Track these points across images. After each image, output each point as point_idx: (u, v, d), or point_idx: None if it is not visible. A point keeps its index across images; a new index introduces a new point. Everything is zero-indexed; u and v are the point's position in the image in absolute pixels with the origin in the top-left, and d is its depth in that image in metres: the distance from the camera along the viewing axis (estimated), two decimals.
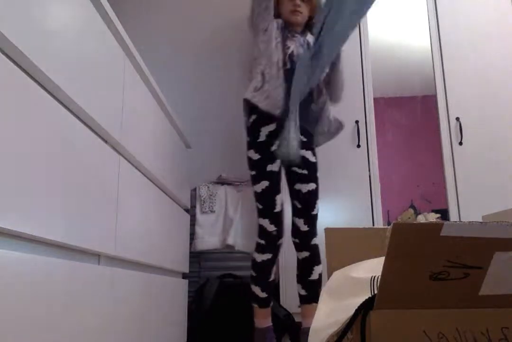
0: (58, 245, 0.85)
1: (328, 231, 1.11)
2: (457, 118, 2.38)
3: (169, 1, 3.13)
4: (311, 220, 1.83)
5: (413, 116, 2.64)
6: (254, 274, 1.78)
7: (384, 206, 2.34)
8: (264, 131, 1.78)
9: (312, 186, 1.83)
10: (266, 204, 1.78)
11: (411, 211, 2.43)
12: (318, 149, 2.44)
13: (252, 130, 1.80)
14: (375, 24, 2.57)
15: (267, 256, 1.77)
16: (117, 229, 1.12)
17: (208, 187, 2.53)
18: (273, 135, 1.76)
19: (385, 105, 2.55)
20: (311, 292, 1.80)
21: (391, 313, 0.65)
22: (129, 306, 1.21)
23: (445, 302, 0.66)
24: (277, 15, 1.92)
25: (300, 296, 1.82)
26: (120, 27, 1.19)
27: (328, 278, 0.98)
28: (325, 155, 2.40)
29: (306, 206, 1.82)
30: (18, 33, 0.73)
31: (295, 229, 1.85)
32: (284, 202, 1.86)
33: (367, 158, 2.38)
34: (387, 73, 2.28)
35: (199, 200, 2.49)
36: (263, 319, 1.80)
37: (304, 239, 1.83)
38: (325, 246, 1.08)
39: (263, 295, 1.77)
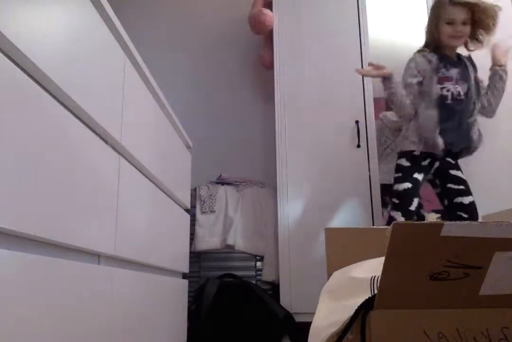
0: (58, 245, 0.85)
1: (328, 231, 1.11)
2: None
3: (170, 2, 3.14)
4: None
5: None
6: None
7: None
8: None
9: (471, 198, 1.93)
10: (402, 201, 1.92)
11: None
12: (318, 149, 2.44)
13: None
14: (375, 24, 2.57)
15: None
16: (117, 229, 1.12)
17: (208, 187, 2.53)
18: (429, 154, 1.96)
19: (385, 105, 2.55)
20: None
21: (391, 313, 0.65)
22: (129, 306, 1.21)
23: (445, 302, 0.66)
24: (436, 38, 1.98)
25: None
26: (120, 27, 1.18)
27: (328, 278, 0.98)
28: (325, 155, 2.41)
29: (471, 215, 1.89)
30: (17, 33, 0.73)
31: None
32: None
33: (367, 158, 2.38)
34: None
35: (199, 200, 2.49)
36: None
37: None
38: (325, 246, 1.08)
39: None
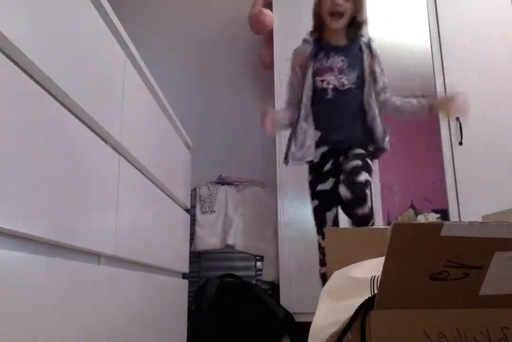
0: (58, 245, 0.85)
1: (328, 231, 1.11)
2: (457, 118, 2.37)
3: (170, 1, 3.13)
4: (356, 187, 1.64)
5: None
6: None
7: (384, 206, 2.34)
8: (318, 152, 1.79)
9: (358, 162, 1.69)
10: (317, 221, 1.79)
11: (411, 211, 2.43)
12: None
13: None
14: (375, 24, 2.57)
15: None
16: (117, 229, 1.12)
17: (208, 187, 2.53)
18: (326, 157, 1.78)
19: None
20: None
21: (391, 313, 0.65)
22: (129, 306, 1.21)
23: (445, 302, 0.66)
24: (318, 18, 1.81)
25: None
26: (120, 27, 1.19)
27: (328, 278, 0.98)
28: None
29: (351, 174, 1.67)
30: (18, 33, 0.73)
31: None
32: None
33: None
34: (387, 73, 2.28)
35: (199, 200, 2.49)
36: None
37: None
38: (325, 246, 1.08)
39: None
